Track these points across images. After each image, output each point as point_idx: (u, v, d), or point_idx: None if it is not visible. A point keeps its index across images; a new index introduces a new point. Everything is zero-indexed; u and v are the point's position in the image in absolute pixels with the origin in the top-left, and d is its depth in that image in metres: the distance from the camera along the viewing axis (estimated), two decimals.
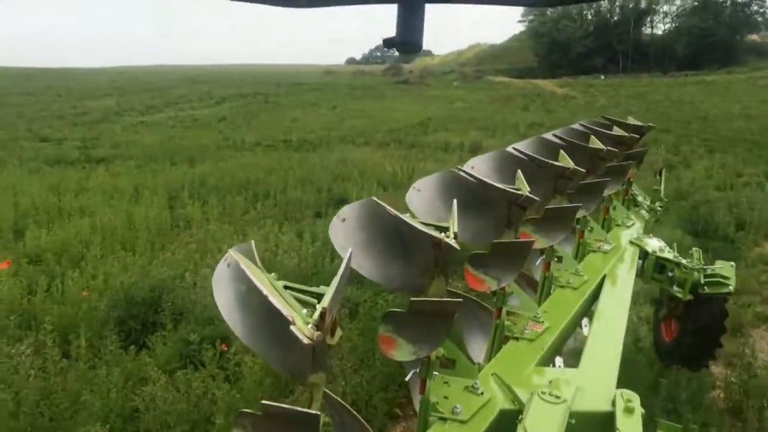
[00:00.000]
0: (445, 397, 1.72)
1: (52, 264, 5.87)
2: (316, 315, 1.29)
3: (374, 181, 11.03)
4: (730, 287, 3.46)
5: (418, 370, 1.76)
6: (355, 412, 1.69)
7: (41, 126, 24.87)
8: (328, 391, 1.69)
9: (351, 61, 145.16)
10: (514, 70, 58.31)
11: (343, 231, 1.91)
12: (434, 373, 1.77)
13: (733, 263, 3.64)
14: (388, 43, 0.89)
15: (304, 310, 1.36)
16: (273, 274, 1.55)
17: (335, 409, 1.74)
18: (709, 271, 3.49)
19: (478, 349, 2.39)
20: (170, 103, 36.32)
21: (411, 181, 9.72)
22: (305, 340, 1.19)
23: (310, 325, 1.25)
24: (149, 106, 34.57)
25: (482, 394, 1.75)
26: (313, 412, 1.27)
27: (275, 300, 1.32)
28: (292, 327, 1.22)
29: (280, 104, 34.95)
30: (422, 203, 2.25)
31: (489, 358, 2.12)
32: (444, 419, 1.66)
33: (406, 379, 1.82)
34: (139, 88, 45.69)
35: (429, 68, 66.51)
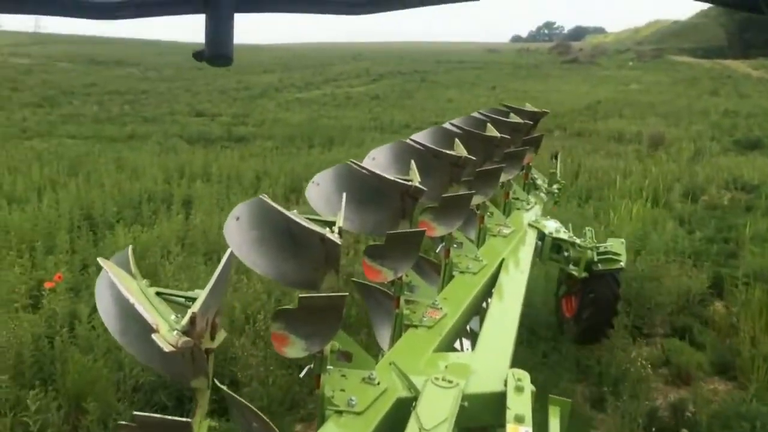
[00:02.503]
0: (342, 390, 1.73)
1: None
2: (185, 320, 1.26)
3: None
4: (621, 263, 3.74)
5: (312, 365, 1.76)
6: (259, 413, 1.67)
7: (201, 100, 23.80)
8: (232, 394, 1.67)
9: (516, 39, 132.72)
10: (699, 50, 51.88)
11: (238, 230, 1.88)
12: (330, 367, 1.78)
13: (623, 240, 3.95)
14: (197, 55, 0.87)
15: (173, 316, 1.32)
16: (145, 280, 1.49)
17: (241, 411, 1.71)
18: (601, 249, 3.75)
19: (385, 337, 2.45)
20: (329, 80, 34.99)
21: (577, 179, 8.98)
22: (166, 348, 1.17)
23: (175, 332, 1.22)
24: (308, 83, 33.34)
25: (378, 384, 1.78)
26: (185, 420, 1.26)
27: (140, 307, 1.28)
28: (153, 335, 1.19)
29: (437, 83, 33.22)
30: (321, 197, 2.25)
31: (390, 347, 2.16)
32: (340, 412, 1.67)
33: (301, 375, 1.81)
34: (302, 65, 43.70)
35: (601, 46, 60.74)
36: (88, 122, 17.73)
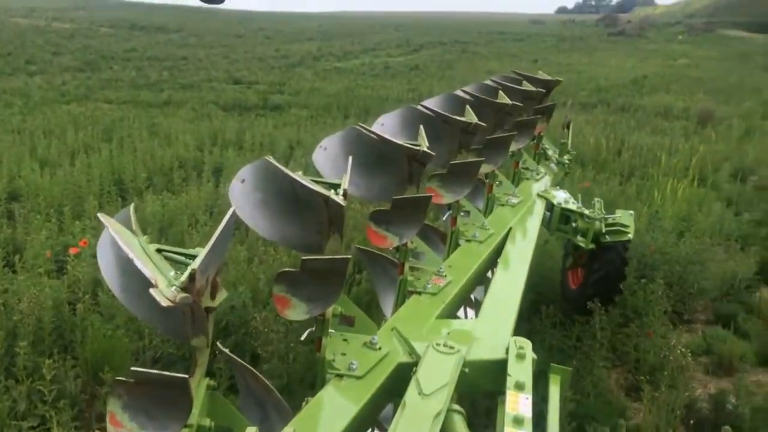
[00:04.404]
0: (343, 354, 1.67)
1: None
2: (184, 277, 1.19)
3: None
4: (629, 235, 3.58)
5: (314, 328, 1.69)
6: (256, 372, 1.62)
7: (239, 68, 23.16)
8: (230, 353, 1.61)
9: (562, 11, 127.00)
10: (754, 24, 46.14)
11: (242, 192, 1.79)
12: (331, 330, 1.71)
13: (632, 212, 3.77)
14: None
15: (172, 273, 1.25)
16: (146, 237, 1.41)
17: (239, 371, 1.66)
18: (609, 221, 3.59)
19: (389, 304, 2.37)
20: (368, 50, 33.79)
21: (619, 156, 8.26)
22: (164, 303, 1.09)
23: (174, 288, 1.15)
24: (347, 52, 32.06)
25: (380, 349, 1.71)
26: (182, 376, 1.19)
27: (139, 263, 1.20)
28: (151, 290, 1.11)
29: (478, 54, 31.59)
30: (327, 161, 2.15)
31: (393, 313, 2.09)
32: (340, 376, 1.61)
33: (302, 338, 1.75)
34: (343, 33, 42.44)
35: (650, 19, 57.42)
36: (125, 87, 17.38)
